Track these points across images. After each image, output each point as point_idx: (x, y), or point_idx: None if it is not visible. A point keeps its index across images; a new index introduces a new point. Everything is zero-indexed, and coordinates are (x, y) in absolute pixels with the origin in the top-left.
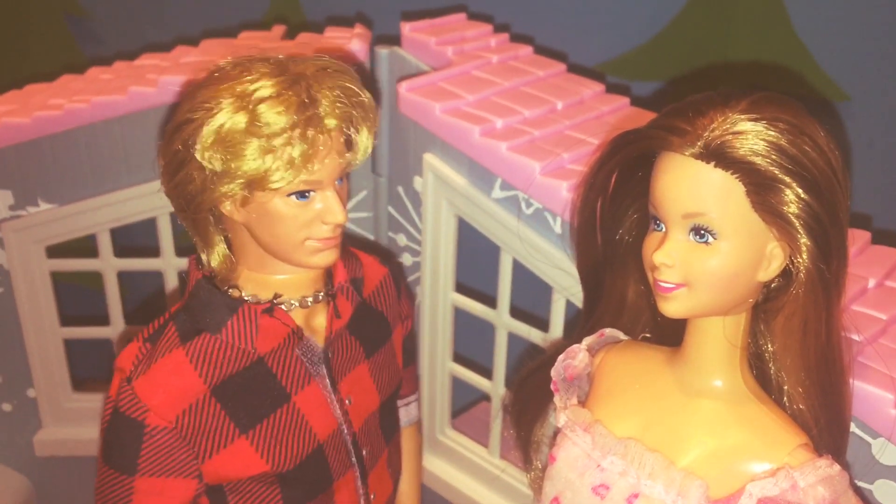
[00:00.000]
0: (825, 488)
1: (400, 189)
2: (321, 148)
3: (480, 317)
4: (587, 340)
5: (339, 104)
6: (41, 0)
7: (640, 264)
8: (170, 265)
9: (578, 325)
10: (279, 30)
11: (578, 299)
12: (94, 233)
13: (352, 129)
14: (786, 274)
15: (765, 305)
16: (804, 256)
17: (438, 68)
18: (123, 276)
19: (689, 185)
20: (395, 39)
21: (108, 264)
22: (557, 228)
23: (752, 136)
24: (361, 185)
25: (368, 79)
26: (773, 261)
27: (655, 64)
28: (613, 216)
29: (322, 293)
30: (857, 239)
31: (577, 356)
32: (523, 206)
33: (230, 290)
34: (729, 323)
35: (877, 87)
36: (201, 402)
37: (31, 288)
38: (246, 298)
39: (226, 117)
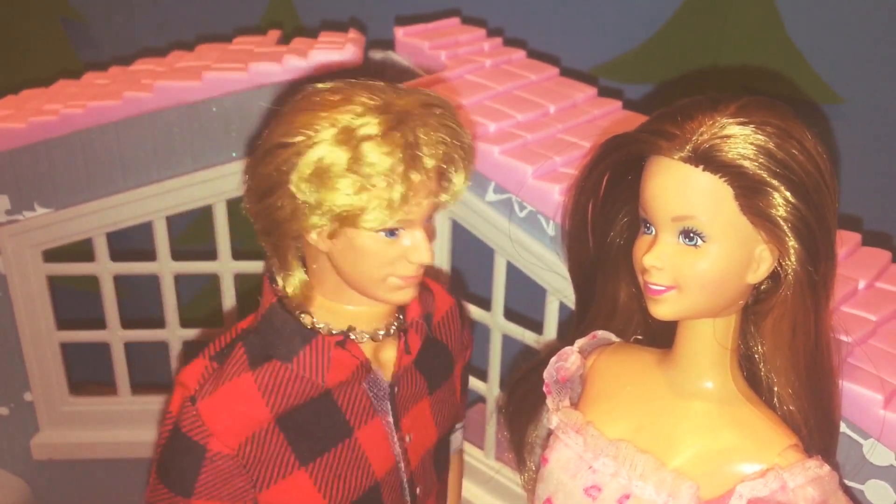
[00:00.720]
0: (815, 489)
1: None
2: (419, 189)
3: (475, 319)
4: (579, 342)
5: (441, 145)
6: (37, 4)
7: (631, 267)
8: (166, 269)
9: (571, 328)
10: (274, 34)
11: (572, 301)
12: (90, 237)
13: (451, 170)
14: (775, 276)
15: (754, 307)
16: (792, 259)
17: (432, 72)
18: (120, 280)
19: (678, 188)
20: (389, 44)
21: (105, 268)
22: (550, 231)
23: (740, 139)
24: None
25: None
26: (761, 263)
27: (649, 67)
28: (604, 219)
29: (394, 327)
30: (848, 241)
31: (569, 358)
32: (517, 209)
33: (302, 316)
34: (719, 325)
35: (870, 91)
36: (265, 430)
37: (27, 292)
38: (318, 327)
39: (327, 150)
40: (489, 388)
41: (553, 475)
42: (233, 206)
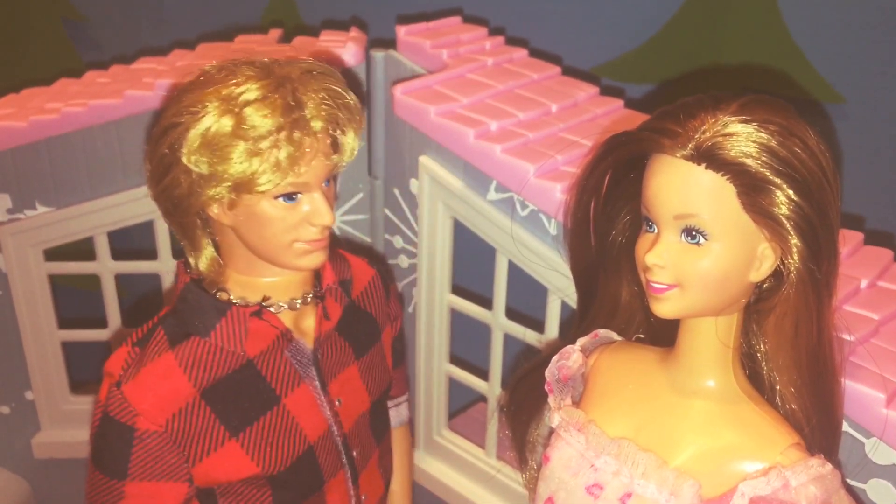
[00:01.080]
0: (817, 487)
1: (396, 191)
2: (307, 150)
3: (476, 318)
4: (581, 341)
5: (324, 106)
6: (39, 5)
7: (633, 265)
8: (167, 268)
9: (573, 326)
10: (275, 33)
11: (573, 300)
12: (91, 236)
13: (338, 131)
14: (777, 274)
15: (757, 306)
16: (795, 257)
17: (434, 71)
18: (121, 279)
19: (680, 186)
20: (390, 43)
21: (106, 267)
22: (552, 230)
23: (742, 138)
24: (357, 187)
25: (355, 81)
26: (764, 261)
27: (650, 67)
28: (606, 217)
29: (311, 295)
30: (850, 239)
31: (571, 357)
32: (518, 207)
33: (219, 294)
34: (721, 323)
35: (871, 90)
36: (191, 405)
37: (28, 291)
38: (234, 301)
39: (212, 121)
40: (490, 387)
41: (555, 474)
42: None
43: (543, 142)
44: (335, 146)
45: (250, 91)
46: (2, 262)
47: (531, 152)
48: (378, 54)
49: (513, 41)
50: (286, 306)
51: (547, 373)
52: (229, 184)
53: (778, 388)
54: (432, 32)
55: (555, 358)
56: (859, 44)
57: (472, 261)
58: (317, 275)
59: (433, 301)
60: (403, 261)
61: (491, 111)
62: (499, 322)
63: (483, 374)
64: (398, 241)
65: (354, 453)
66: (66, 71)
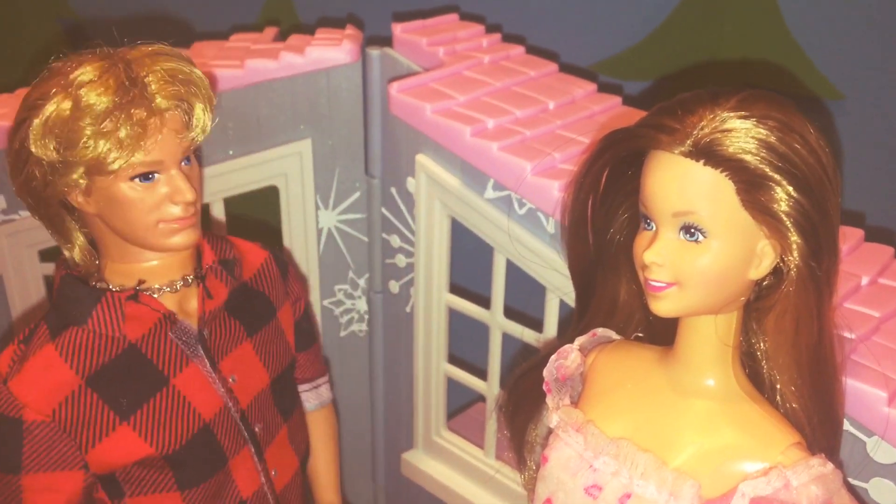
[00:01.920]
0: (818, 487)
1: (393, 190)
2: (152, 128)
3: (475, 317)
4: (579, 340)
5: (164, 82)
6: (34, 4)
7: (631, 263)
8: None
9: (571, 325)
10: (271, 31)
11: (572, 299)
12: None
13: (185, 107)
14: (777, 272)
15: (756, 304)
16: (794, 255)
17: (430, 69)
18: None
19: (678, 183)
20: (386, 40)
21: None
22: (550, 228)
23: (741, 133)
24: (354, 186)
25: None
26: (763, 259)
27: (649, 63)
28: (604, 215)
29: (191, 276)
30: (851, 236)
31: (569, 356)
32: (516, 206)
33: (97, 284)
34: (721, 322)
35: (871, 86)
36: (77, 393)
37: (24, 292)
38: (111, 289)
39: (53, 107)
40: (489, 386)
41: (553, 474)
42: (230, 204)
43: (541, 139)
44: (186, 123)
45: (85, 73)
46: None
47: (528, 150)
48: (374, 52)
49: (510, 38)
50: (167, 289)
51: (545, 372)
52: (80, 168)
53: (778, 386)
54: (428, 30)
55: (553, 357)
56: (859, 40)
57: (469, 259)
58: (198, 257)
59: (431, 300)
60: (401, 260)
61: (487, 109)
62: (497, 321)
63: (482, 374)
64: (395, 240)
65: (256, 429)
66: None
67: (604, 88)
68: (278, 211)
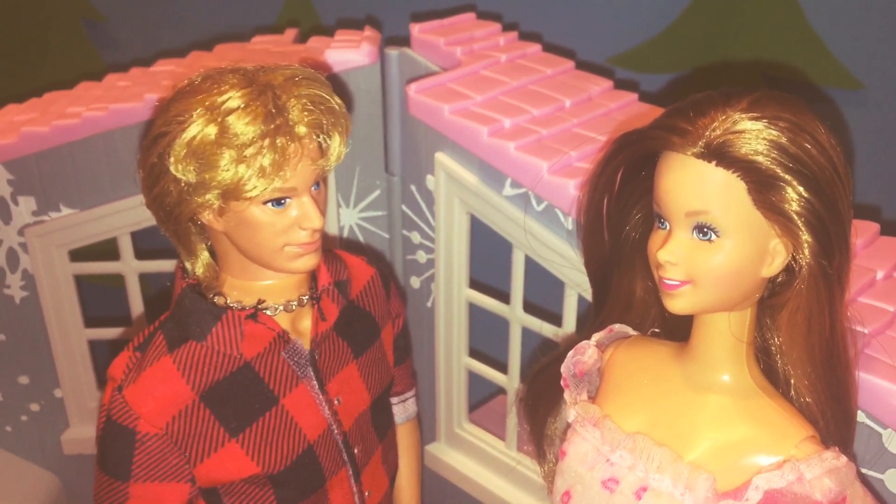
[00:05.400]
0: (832, 480)
1: (413, 188)
2: (292, 155)
3: (494, 312)
4: (596, 336)
5: (307, 111)
6: (59, 5)
7: (647, 261)
8: None
9: (588, 322)
10: (291, 33)
11: (588, 293)
12: (114, 236)
13: (322, 136)
14: (789, 269)
15: (770, 300)
16: (805, 253)
17: (448, 68)
18: (145, 277)
19: (691, 184)
20: (404, 41)
21: (130, 267)
22: (568, 225)
23: (752, 135)
24: (375, 184)
25: (341, 86)
26: (775, 257)
27: (666, 56)
28: (619, 214)
29: (306, 297)
30: (865, 230)
31: (587, 352)
32: (534, 202)
33: (215, 298)
34: (734, 318)
35: (891, 76)
36: (190, 408)
37: (55, 291)
38: (231, 305)
39: (197, 129)
40: (510, 379)
41: (571, 468)
42: None
43: (557, 138)
44: (321, 150)
45: (233, 99)
46: (28, 263)
47: (545, 149)
48: (392, 53)
49: (526, 36)
50: (282, 308)
51: (563, 368)
52: (217, 191)
53: (792, 381)
54: (446, 29)
55: (570, 353)
56: (878, 29)
57: (489, 256)
58: (312, 276)
59: (451, 295)
60: (421, 256)
61: (504, 108)
62: (516, 316)
63: (502, 367)
64: (416, 237)
65: (356, 451)
66: (87, 72)
67: (620, 83)
68: None
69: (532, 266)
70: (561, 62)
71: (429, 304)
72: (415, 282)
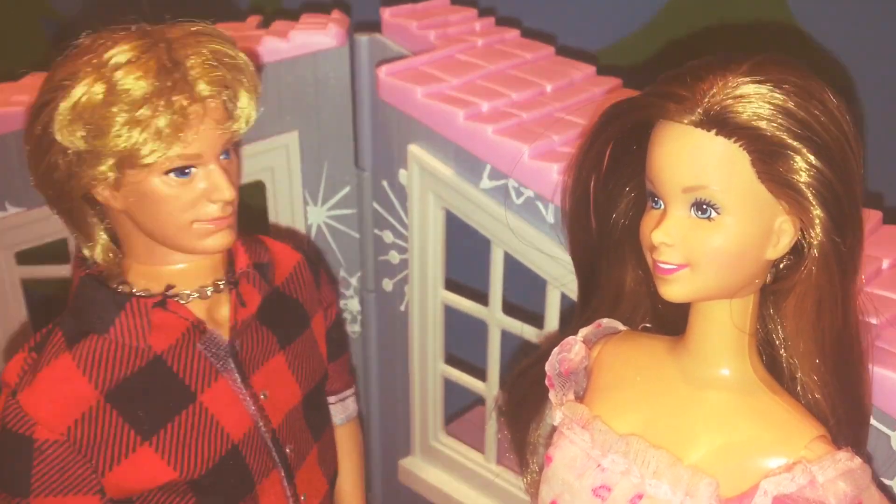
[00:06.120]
0: (846, 483)
1: (384, 183)
2: (193, 116)
3: (472, 315)
4: (583, 332)
5: (208, 66)
6: (15, 4)
7: (637, 248)
8: None
9: (574, 316)
10: (254, 20)
11: (573, 291)
12: (65, 237)
13: (228, 94)
14: (796, 251)
15: (773, 286)
16: (817, 230)
17: (421, 54)
18: None
19: (688, 155)
20: (375, 26)
21: None
22: (550, 217)
23: (755, 99)
24: (344, 180)
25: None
26: (782, 236)
27: (649, 51)
28: (608, 196)
29: (223, 281)
30: (869, 218)
31: (573, 348)
32: (513, 195)
33: (119, 287)
34: (736, 307)
35: (886, 63)
36: (95, 409)
37: (0, 296)
38: (136, 293)
39: (82, 90)
40: (488, 387)
41: (558, 475)
42: None
43: (538, 122)
44: (228, 112)
45: (121, 53)
46: None
47: (525, 132)
48: (362, 38)
49: (503, 23)
50: (196, 295)
51: (547, 366)
52: (111, 160)
53: (799, 376)
54: (419, 14)
55: (555, 350)
56: (868, 20)
57: (465, 254)
58: (230, 260)
59: (426, 298)
60: (394, 256)
61: (482, 92)
62: (496, 318)
63: (480, 374)
64: (388, 236)
65: (287, 450)
66: (36, 65)
67: (603, 72)
68: (265, 208)
69: (511, 264)
70: (541, 47)
71: (402, 308)
72: (387, 284)
